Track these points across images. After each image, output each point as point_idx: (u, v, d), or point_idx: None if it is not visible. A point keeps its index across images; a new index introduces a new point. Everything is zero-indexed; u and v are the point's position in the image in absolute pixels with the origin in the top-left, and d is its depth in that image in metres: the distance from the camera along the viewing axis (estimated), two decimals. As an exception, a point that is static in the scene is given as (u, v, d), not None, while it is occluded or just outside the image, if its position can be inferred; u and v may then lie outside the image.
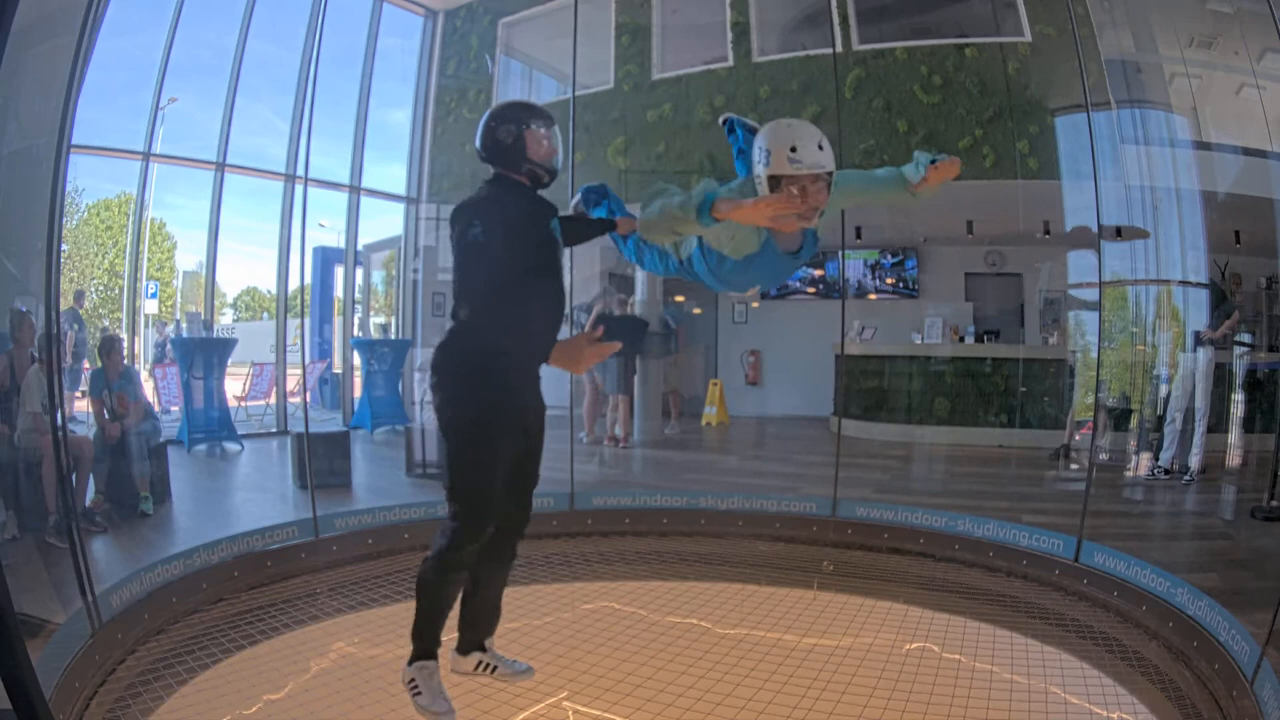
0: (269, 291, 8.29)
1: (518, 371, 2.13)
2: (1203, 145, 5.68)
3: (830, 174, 1.88)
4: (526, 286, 2.03)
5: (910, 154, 2.04)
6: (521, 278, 2.01)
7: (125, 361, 4.69)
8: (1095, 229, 4.53)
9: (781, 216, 1.79)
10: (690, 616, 3.28)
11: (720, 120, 2.53)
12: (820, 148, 1.85)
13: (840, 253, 8.10)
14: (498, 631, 2.38)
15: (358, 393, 7.68)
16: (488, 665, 2.28)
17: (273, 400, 7.24)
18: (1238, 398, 5.39)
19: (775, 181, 1.86)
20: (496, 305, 1.95)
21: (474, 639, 2.28)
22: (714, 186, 1.88)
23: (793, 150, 1.84)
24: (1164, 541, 4.34)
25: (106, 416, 4.28)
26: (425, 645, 2.12)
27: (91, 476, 4.06)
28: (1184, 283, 5.82)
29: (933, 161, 1.93)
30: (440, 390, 2.08)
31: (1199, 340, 5.37)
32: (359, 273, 8.50)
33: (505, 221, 1.99)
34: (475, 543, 2.06)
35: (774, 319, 9.39)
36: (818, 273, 9.38)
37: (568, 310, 6.47)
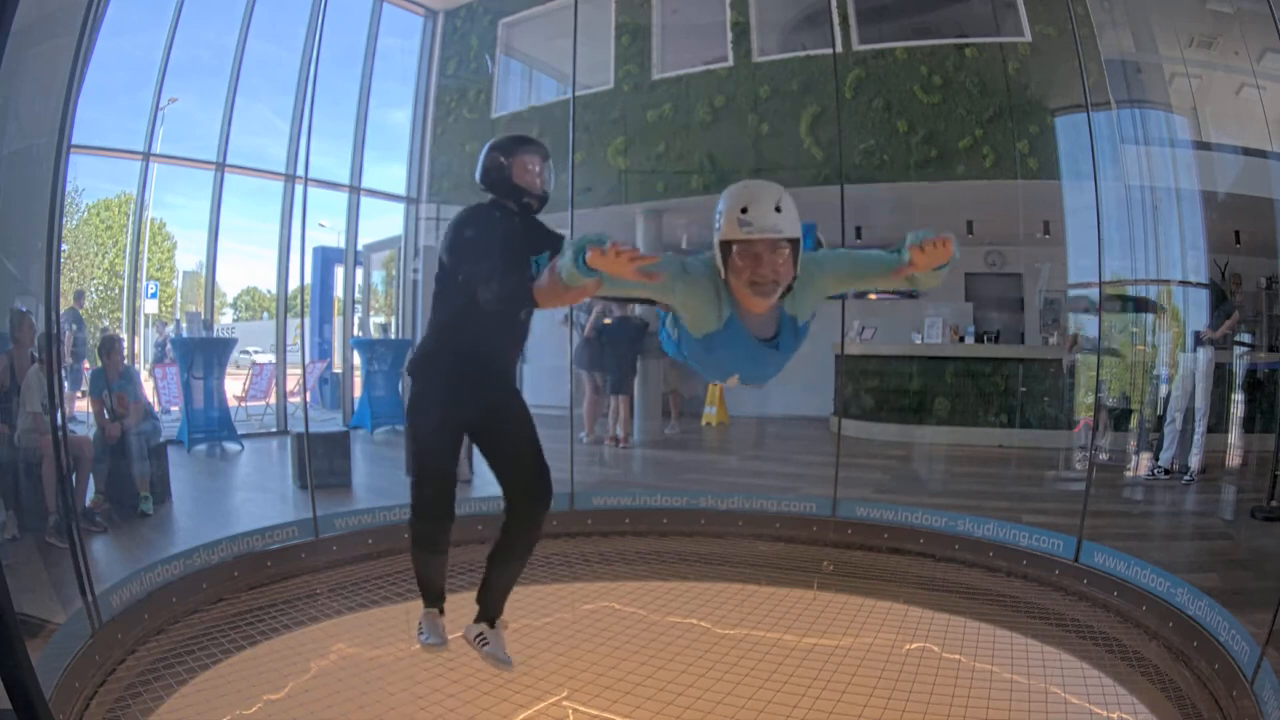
0: (269, 291, 8.30)
1: (465, 366, 2.25)
2: (1203, 145, 5.68)
3: (793, 241, 1.63)
4: (480, 298, 2.10)
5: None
6: (476, 290, 2.09)
7: (125, 361, 4.69)
8: (1095, 229, 4.53)
9: (640, 272, 1.58)
10: (690, 616, 3.28)
11: None
12: (778, 210, 1.62)
13: (840, 253, 8.07)
14: (512, 626, 2.49)
15: (358, 393, 7.67)
16: (483, 638, 2.38)
17: (273, 400, 7.24)
18: (1238, 398, 5.38)
19: (726, 248, 1.62)
20: (447, 308, 2.24)
21: (483, 613, 2.41)
22: (601, 235, 1.61)
23: (743, 212, 1.61)
24: (1164, 541, 4.34)
25: (106, 416, 4.28)
26: (424, 599, 2.46)
27: (91, 476, 4.06)
28: (1184, 283, 5.82)
29: (921, 241, 1.62)
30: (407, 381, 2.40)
31: (1199, 340, 5.37)
32: (359, 273, 8.50)
33: (466, 239, 2.21)
34: (424, 521, 2.34)
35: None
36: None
37: (567, 310, 6.49)
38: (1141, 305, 5.99)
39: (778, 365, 1.87)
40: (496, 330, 2.25)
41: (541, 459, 2.36)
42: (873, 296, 9.16)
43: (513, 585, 2.45)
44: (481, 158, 2.30)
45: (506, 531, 2.36)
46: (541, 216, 2.38)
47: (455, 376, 2.24)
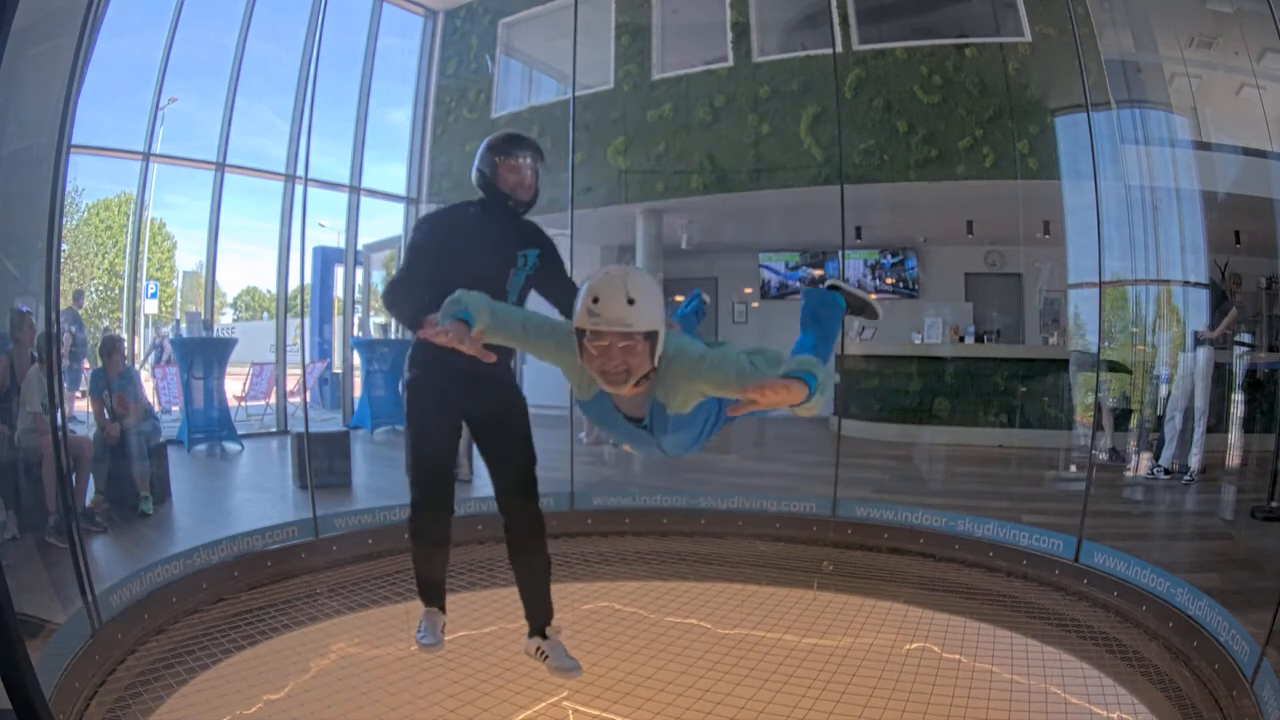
0: (269, 291, 8.30)
1: (447, 359, 2.15)
2: (1203, 145, 5.67)
3: (648, 334, 1.59)
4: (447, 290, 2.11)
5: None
6: (443, 283, 2.03)
7: (125, 362, 4.69)
8: (1095, 229, 4.53)
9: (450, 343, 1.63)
10: (690, 616, 3.28)
11: (826, 285, 2.35)
12: (630, 302, 1.57)
13: (840, 253, 8.10)
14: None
15: (358, 393, 7.67)
16: (542, 652, 2.38)
17: (273, 400, 7.24)
18: (1237, 397, 5.38)
19: (580, 335, 1.61)
20: (414, 299, 2.21)
21: (534, 625, 2.42)
22: (456, 308, 1.69)
23: (595, 301, 1.58)
24: (1164, 541, 4.34)
25: (106, 416, 4.28)
26: (424, 597, 2.47)
27: (91, 476, 4.06)
28: (1184, 283, 5.82)
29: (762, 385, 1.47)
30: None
31: (1199, 340, 5.37)
32: (359, 273, 8.50)
33: (442, 233, 2.28)
34: (422, 514, 2.35)
35: (774, 319, 9.39)
36: (817, 273, 9.38)
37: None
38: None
39: (661, 446, 1.84)
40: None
41: (533, 456, 2.41)
42: (873, 296, 9.16)
43: (547, 587, 2.44)
44: (477, 156, 2.33)
45: (509, 530, 2.40)
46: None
47: (452, 369, 2.19)
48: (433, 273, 2.16)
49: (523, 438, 2.40)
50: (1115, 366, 6.08)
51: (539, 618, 2.42)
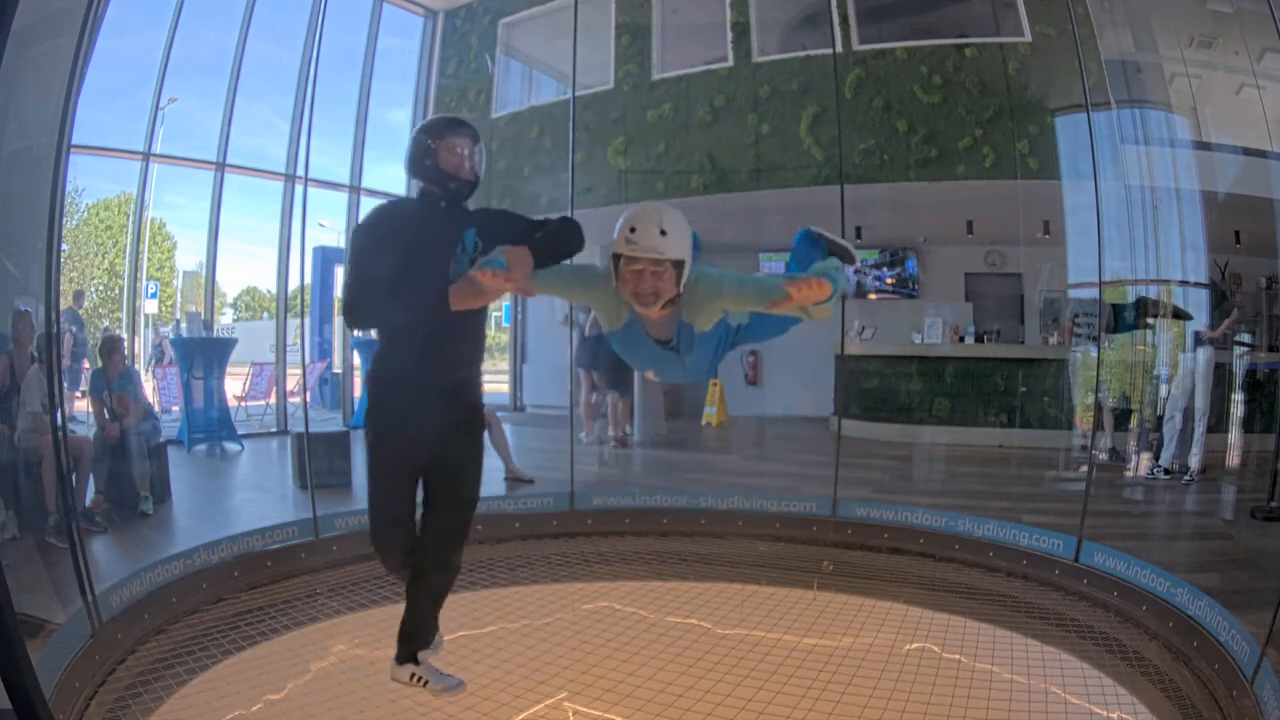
0: (269, 291, 8.30)
1: (416, 373, 2.08)
2: (1203, 145, 5.67)
3: (676, 262, 1.81)
4: (402, 297, 2.00)
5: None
6: (396, 289, 1.98)
7: (125, 362, 4.69)
8: (1095, 229, 4.52)
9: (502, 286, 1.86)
10: (690, 616, 3.28)
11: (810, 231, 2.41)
12: (663, 233, 1.80)
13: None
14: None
15: (358, 393, 7.67)
16: (420, 679, 2.21)
17: (273, 400, 7.24)
18: (1238, 397, 5.38)
19: (616, 260, 1.83)
20: (373, 316, 2.08)
21: (410, 649, 2.21)
22: (498, 260, 1.89)
23: (631, 231, 1.80)
24: (1164, 541, 4.34)
25: (106, 416, 4.28)
26: (404, 649, 2.26)
27: (91, 476, 4.06)
28: (1184, 283, 5.82)
29: (796, 281, 1.79)
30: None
31: (1199, 340, 5.37)
32: (359, 273, 8.47)
33: (389, 233, 2.06)
34: (379, 548, 2.17)
35: (773, 318, 9.36)
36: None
37: (568, 310, 6.49)
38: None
39: (684, 368, 2.04)
40: (445, 341, 2.09)
41: (476, 500, 2.25)
42: (873, 296, 9.17)
43: (438, 609, 2.25)
44: (411, 145, 2.14)
45: (420, 562, 2.17)
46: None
47: (422, 385, 2.08)
48: (387, 276, 2.00)
49: (471, 484, 2.23)
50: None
51: (420, 642, 2.22)
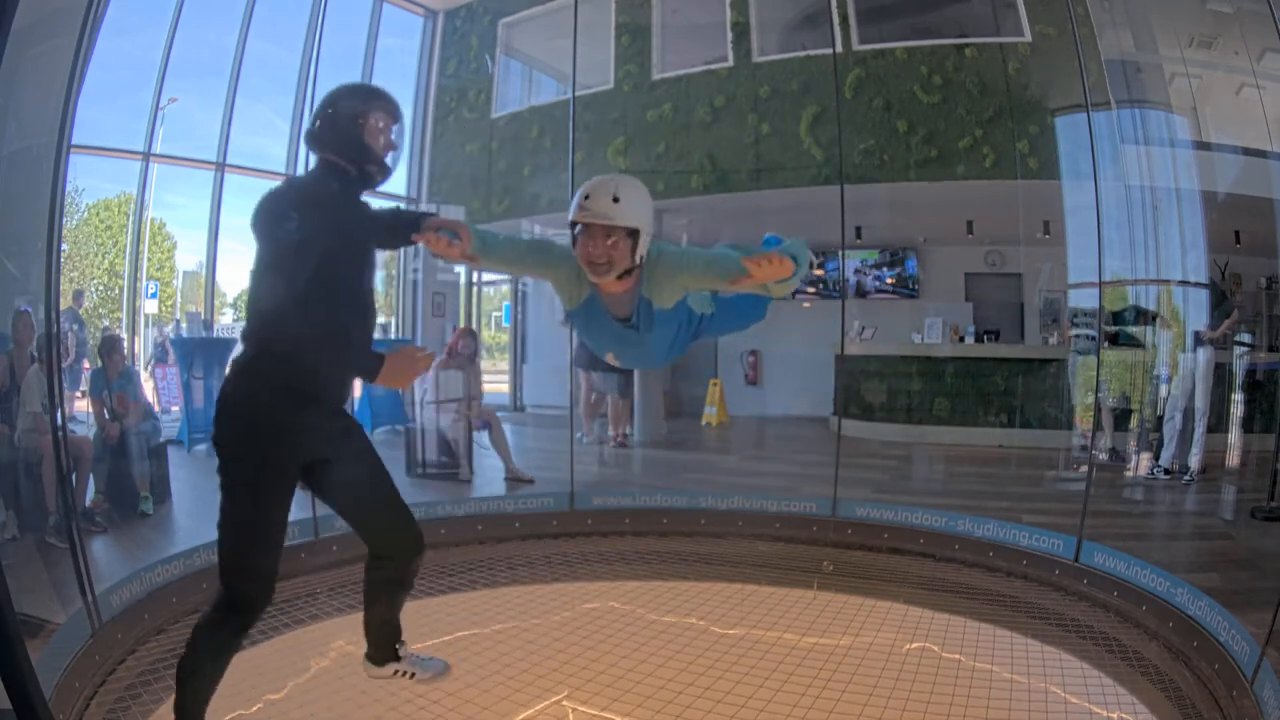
0: (269, 291, 8.27)
1: (299, 402, 1.82)
2: (1203, 145, 5.67)
3: (630, 230, 1.81)
4: (343, 295, 1.80)
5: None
6: (337, 285, 1.78)
7: (125, 362, 4.69)
8: (1095, 229, 4.52)
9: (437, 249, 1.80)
10: (690, 616, 3.28)
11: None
12: (615, 200, 1.80)
13: (840, 253, 8.10)
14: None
15: (357, 393, 7.67)
16: (407, 673, 2.15)
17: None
18: (1237, 398, 5.38)
19: (573, 227, 1.86)
20: (310, 316, 1.71)
21: (386, 650, 2.14)
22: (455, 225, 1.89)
23: (586, 198, 1.82)
24: (1164, 541, 4.34)
25: (106, 416, 4.28)
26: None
27: (91, 476, 4.06)
28: (1184, 283, 5.82)
29: (757, 257, 1.75)
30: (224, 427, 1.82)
31: (1199, 340, 5.37)
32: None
33: (327, 217, 1.75)
34: (256, 576, 1.87)
35: (774, 318, 9.32)
36: (818, 272, 9.37)
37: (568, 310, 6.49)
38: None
39: (645, 347, 2.04)
40: (365, 341, 1.89)
41: (383, 468, 2.01)
42: (873, 296, 9.17)
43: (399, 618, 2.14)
44: (325, 107, 1.85)
45: (385, 572, 2.02)
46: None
47: (304, 426, 1.82)
48: (321, 293, 1.72)
49: (384, 477, 2.00)
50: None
51: (394, 638, 2.13)
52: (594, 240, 1.82)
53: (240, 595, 1.84)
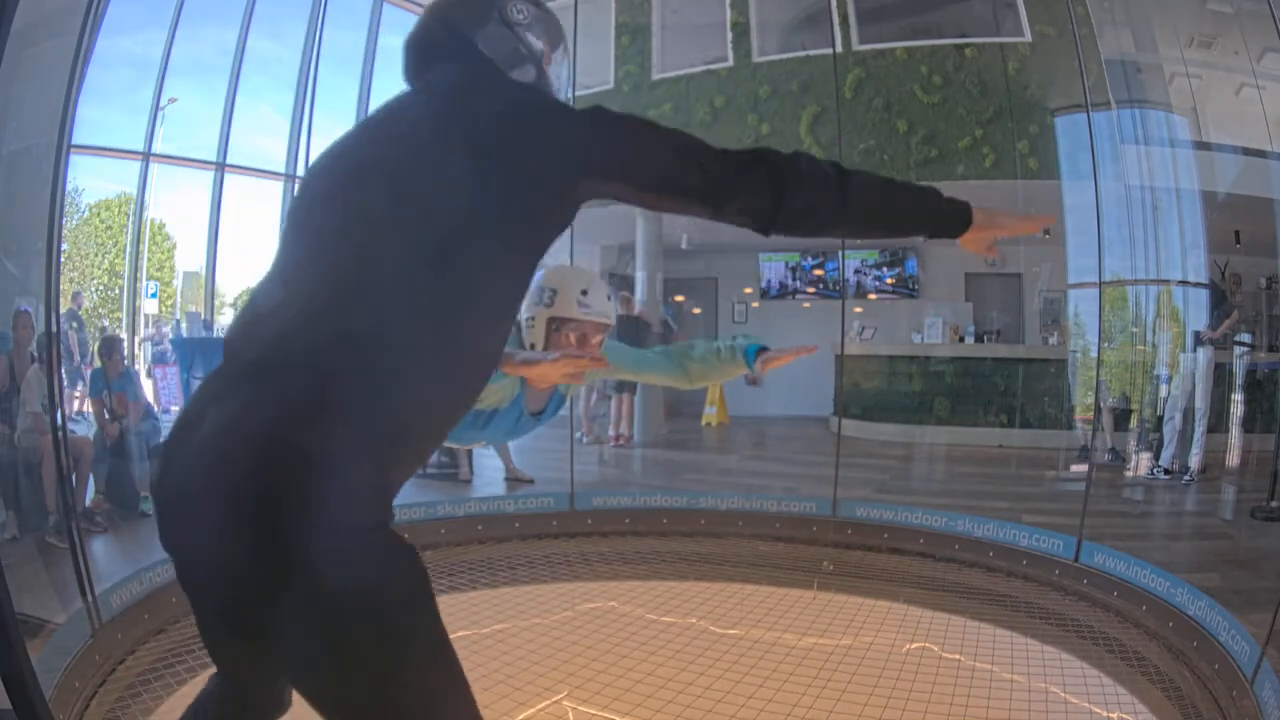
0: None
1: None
2: (1203, 145, 5.68)
3: (608, 328, 1.74)
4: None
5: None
6: None
7: (125, 362, 4.69)
8: (1095, 229, 4.53)
9: (569, 375, 1.57)
10: (690, 616, 3.28)
11: None
12: (608, 299, 1.72)
13: (840, 253, 8.11)
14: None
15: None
16: None
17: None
18: (1237, 398, 5.38)
19: (555, 324, 1.67)
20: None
21: None
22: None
23: (584, 294, 1.67)
24: (1164, 541, 4.34)
25: (106, 416, 4.28)
26: None
27: (91, 476, 4.06)
28: (1184, 283, 5.82)
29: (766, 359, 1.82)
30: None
31: (1199, 340, 5.38)
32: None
33: None
34: None
35: (774, 319, 9.39)
36: (818, 272, 9.38)
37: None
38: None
39: (517, 432, 1.88)
40: None
41: None
42: (873, 296, 9.18)
43: None
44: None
45: None
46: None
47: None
48: None
49: None
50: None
51: None
52: (588, 340, 1.69)
53: None
